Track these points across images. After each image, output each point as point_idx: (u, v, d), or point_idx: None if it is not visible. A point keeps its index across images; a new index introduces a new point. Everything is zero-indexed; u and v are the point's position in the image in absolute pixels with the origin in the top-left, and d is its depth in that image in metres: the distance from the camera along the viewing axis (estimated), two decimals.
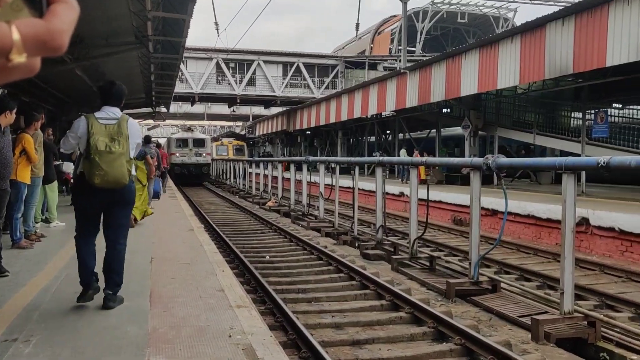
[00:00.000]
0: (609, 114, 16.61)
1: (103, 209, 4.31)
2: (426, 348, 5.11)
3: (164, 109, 30.89)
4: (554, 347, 5.29)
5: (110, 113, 4.32)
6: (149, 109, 28.65)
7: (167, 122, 53.46)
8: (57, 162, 9.87)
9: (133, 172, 4.35)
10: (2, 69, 0.51)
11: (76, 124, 4.31)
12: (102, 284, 4.39)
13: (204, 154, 32.81)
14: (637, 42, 10.59)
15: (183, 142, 32.48)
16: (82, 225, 4.36)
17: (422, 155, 20.33)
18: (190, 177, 31.65)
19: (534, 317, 5.65)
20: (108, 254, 4.35)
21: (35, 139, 7.12)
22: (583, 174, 14.18)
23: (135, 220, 9.21)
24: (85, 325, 3.83)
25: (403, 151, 23.94)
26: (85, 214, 4.34)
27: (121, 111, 4.38)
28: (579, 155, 14.40)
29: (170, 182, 23.81)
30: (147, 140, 13.05)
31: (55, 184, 9.05)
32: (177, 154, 31.88)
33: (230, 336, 3.69)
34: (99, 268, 4.38)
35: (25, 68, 0.52)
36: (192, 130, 34.56)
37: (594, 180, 17.87)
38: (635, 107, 19.09)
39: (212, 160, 36.02)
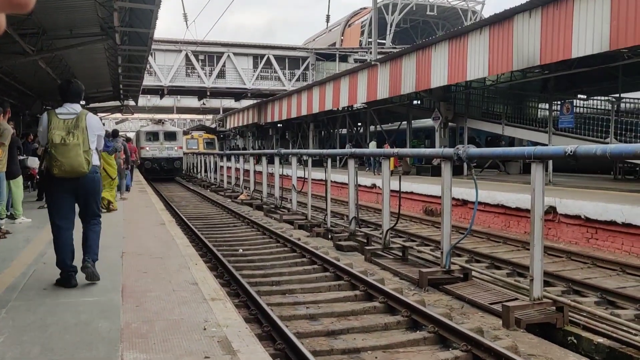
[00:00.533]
0: (574, 104, 17.02)
1: (73, 197, 4.71)
2: (400, 337, 5.17)
3: (132, 103, 30.29)
4: (525, 333, 5.41)
5: (70, 109, 4.68)
6: (117, 103, 28.06)
7: (136, 115, 52.44)
8: (22, 157, 9.59)
9: (95, 162, 4.69)
10: None
11: (40, 119, 4.74)
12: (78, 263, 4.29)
13: (176, 148, 31.35)
14: (602, 34, 10.86)
15: (153, 136, 30.99)
16: (55, 213, 4.71)
17: (392, 147, 20.55)
18: (162, 172, 30.33)
19: (505, 304, 5.77)
20: (85, 233, 4.84)
21: (1, 132, 6.90)
22: (550, 163, 14.51)
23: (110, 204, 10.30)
24: (55, 321, 3.73)
25: (373, 143, 24.10)
26: (56, 203, 4.71)
27: (87, 105, 4.70)
28: (546, 145, 14.74)
29: (140, 177, 23.33)
30: (114, 134, 12.79)
31: (20, 179, 8.79)
32: (148, 148, 30.42)
33: (205, 329, 3.66)
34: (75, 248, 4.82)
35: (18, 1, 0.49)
36: (163, 123, 33.11)
37: (560, 170, 18.32)
38: (599, 98, 19.60)
39: (184, 154, 34.74)
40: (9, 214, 8.69)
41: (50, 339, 3.39)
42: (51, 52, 12.09)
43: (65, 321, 3.75)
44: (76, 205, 4.80)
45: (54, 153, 4.47)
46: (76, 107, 4.71)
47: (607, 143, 14.17)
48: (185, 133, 42.59)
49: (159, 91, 37.62)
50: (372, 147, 22.15)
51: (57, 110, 4.68)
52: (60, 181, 4.57)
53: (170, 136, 31.32)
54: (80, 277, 4.68)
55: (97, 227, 4.92)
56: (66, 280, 4.65)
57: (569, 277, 7.67)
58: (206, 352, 3.24)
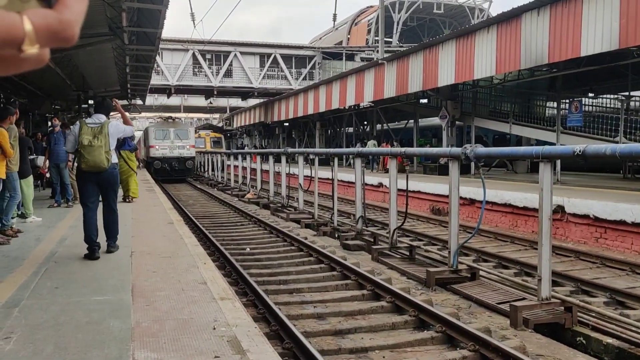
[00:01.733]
0: (583, 103, 16.92)
1: (97, 187, 6.07)
2: (408, 336, 5.18)
3: (139, 102, 30.40)
4: (532, 333, 5.41)
5: (96, 119, 6.12)
6: (125, 102, 28.19)
7: (143, 114, 52.71)
8: (32, 157, 9.68)
9: (114, 160, 6.05)
10: (13, 60, 0.50)
11: (73, 128, 6.23)
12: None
13: (188, 146, 29.15)
14: (611, 32, 10.80)
15: (163, 133, 28.75)
16: (84, 197, 6.15)
17: (392, 146, 20.63)
18: (173, 173, 28.21)
19: (513, 303, 5.77)
20: (105, 216, 6.17)
21: (10, 133, 6.96)
22: (558, 162, 14.45)
23: (130, 198, 12.18)
24: (68, 320, 3.78)
25: (372, 142, 24.17)
26: (85, 190, 6.11)
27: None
28: (554, 144, 14.67)
29: (147, 176, 23.34)
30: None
31: (30, 178, 8.88)
32: (157, 147, 28.30)
33: (214, 328, 3.69)
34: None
35: (36, 59, 0.52)
36: (174, 120, 31.00)
37: (568, 168, 18.23)
38: (608, 96, 19.48)
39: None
40: (19, 213, 8.78)
41: (63, 337, 3.44)
42: (60, 52, 12.15)
43: (77, 320, 3.79)
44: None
45: (83, 152, 5.86)
46: (102, 118, 6.12)
47: (617, 142, 14.09)
48: None
49: (166, 90, 37.75)
50: (372, 146, 22.15)
51: (87, 120, 6.17)
52: (87, 174, 5.98)
53: (182, 134, 29.32)
54: (87, 276, 4.72)
55: (114, 212, 6.23)
56: (91, 253, 5.90)
57: (577, 277, 7.64)
58: (216, 352, 3.27)
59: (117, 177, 6.32)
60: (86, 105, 21.03)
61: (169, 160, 28.32)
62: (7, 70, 0.52)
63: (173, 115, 36.85)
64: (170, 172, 28.13)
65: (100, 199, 6.22)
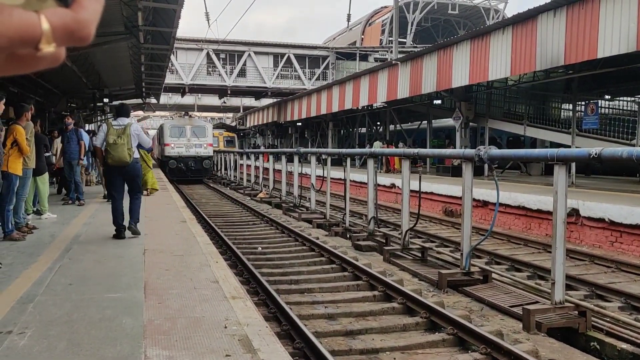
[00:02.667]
0: (599, 105, 16.73)
1: (122, 178, 7.19)
2: (419, 338, 5.16)
3: (154, 100, 30.62)
4: (545, 337, 5.35)
5: (120, 122, 7.20)
6: (139, 100, 28.45)
7: (157, 113, 53.10)
8: (47, 154, 9.79)
9: (135, 155, 7.13)
10: (30, 58, 0.51)
11: (102, 127, 7.39)
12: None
13: (205, 145, 27.08)
14: (628, 33, 10.66)
15: (179, 131, 26.79)
16: (112, 188, 7.38)
17: (395, 147, 20.60)
18: (189, 173, 26.33)
19: (525, 307, 5.72)
20: (130, 203, 7.25)
21: (26, 129, 7.05)
22: (573, 165, 14.30)
23: (149, 190, 13.04)
24: (81, 317, 3.82)
25: (377, 143, 24.21)
26: (111, 182, 7.34)
27: (110, 102, 6.88)
28: (569, 146, 14.51)
29: (161, 174, 23.33)
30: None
31: (46, 175, 8.99)
32: (172, 145, 26.43)
33: (226, 327, 3.70)
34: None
35: (52, 58, 0.52)
36: (190, 117, 28.76)
37: (583, 171, 18.04)
38: (625, 98, 19.24)
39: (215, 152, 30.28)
40: (35, 210, 8.89)
41: (76, 333, 3.47)
42: (77, 50, 12.29)
43: (90, 316, 3.83)
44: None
45: (109, 149, 6.96)
46: (124, 120, 7.21)
47: (633, 145, 13.90)
48: None
49: (180, 89, 38.00)
50: (377, 147, 22.11)
51: (113, 122, 7.21)
52: (113, 168, 7.10)
53: (199, 131, 27.26)
54: (100, 273, 4.76)
55: (138, 200, 7.34)
56: (119, 234, 7.09)
57: (591, 281, 7.55)
58: (227, 350, 3.28)
59: (139, 170, 7.52)
60: (101, 104, 21.24)
61: (184, 160, 26.39)
62: (24, 68, 0.52)
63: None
64: (185, 172, 26.31)
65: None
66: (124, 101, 27.11)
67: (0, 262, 5.39)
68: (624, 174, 18.85)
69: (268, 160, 23.86)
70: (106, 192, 9.68)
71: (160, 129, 29.08)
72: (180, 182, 24.67)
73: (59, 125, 15.81)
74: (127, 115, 7.44)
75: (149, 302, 4.23)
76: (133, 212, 7.24)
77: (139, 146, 7.36)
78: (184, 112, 29.84)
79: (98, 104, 20.93)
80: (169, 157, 26.32)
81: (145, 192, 12.82)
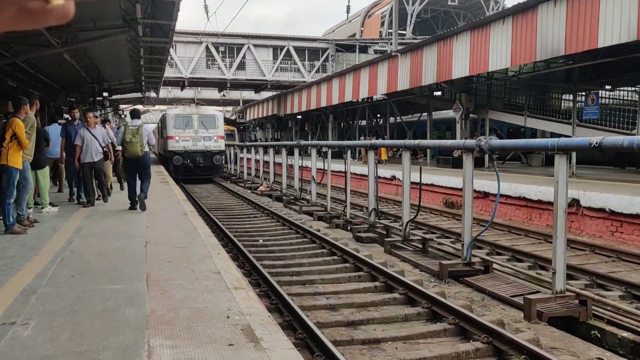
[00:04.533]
0: (599, 95, 16.69)
1: (135, 168, 9.32)
2: (420, 328, 5.18)
3: (153, 94, 30.50)
4: (546, 326, 5.37)
5: (134, 123, 9.46)
6: (138, 94, 28.35)
7: (157, 107, 52.96)
8: (48, 148, 9.78)
9: (145, 149, 9.29)
10: (40, 12, 0.51)
11: (121, 128, 9.81)
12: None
13: (216, 138, 23.38)
14: (629, 23, 10.62)
15: (185, 121, 23.05)
16: (128, 174, 9.74)
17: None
18: (197, 171, 22.70)
19: (526, 296, 5.73)
20: (141, 184, 9.24)
21: (27, 123, 7.04)
22: (574, 155, 14.29)
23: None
24: (84, 308, 3.83)
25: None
26: (128, 170, 9.61)
27: (110, 96, 8.85)
28: (569, 137, 14.49)
29: (162, 169, 22.44)
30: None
31: (46, 169, 8.99)
32: (177, 138, 22.66)
33: (228, 317, 3.72)
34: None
35: (61, 12, 0.52)
36: (198, 105, 24.81)
37: (583, 162, 18.02)
38: (625, 88, 19.19)
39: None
40: (35, 203, 8.89)
41: (79, 324, 3.49)
42: (75, 44, 12.25)
43: (93, 307, 3.85)
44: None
45: (126, 145, 9.09)
46: (137, 122, 9.51)
47: (634, 135, 13.89)
48: None
49: (179, 83, 37.90)
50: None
51: (129, 123, 9.51)
52: (129, 160, 9.32)
53: (208, 121, 23.46)
54: (102, 265, 4.76)
55: (147, 181, 9.32)
56: (132, 206, 9.25)
57: (592, 271, 7.57)
58: (230, 340, 3.29)
59: (148, 160, 9.60)
60: (101, 98, 21.18)
61: (192, 155, 22.53)
62: (34, 23, 0.52)
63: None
64: (193, 170, 22.54)
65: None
66: (123, 95, 27.11)
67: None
68: (625, 165, 18.83)
69: (264, 153, 23.87)
70: (88, 197, 9.79)
71: (163, 119, 25.29)
72: (186, 182, 21.56)
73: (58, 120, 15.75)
74: (139, 118, 9.86)
75: (151, 293, 4.25)
76: (144, 188, 9.21)
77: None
78: (190, 99, 25.89)
79: (97, 98, 20.86)
80: (173, 152, 22.49)
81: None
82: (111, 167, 12.25)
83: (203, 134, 23.05)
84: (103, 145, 9.91)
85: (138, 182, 9.30)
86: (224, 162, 24.62)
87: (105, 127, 10.96)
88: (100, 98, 21.25)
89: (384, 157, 22.56)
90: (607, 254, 8.82)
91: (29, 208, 8.04)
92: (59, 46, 11.55)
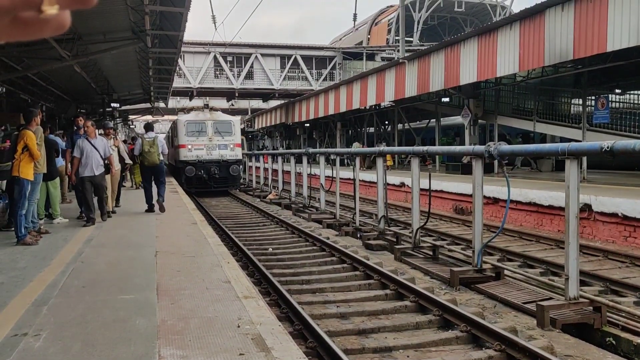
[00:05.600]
0: (609, 99, 16.56)
1: (151, 175, 10.59)
2: (432, 336, 5.14)
3: (162, 104, 30.71)
4: (560, 333, 5.31)
5: (150, 135, 10.79)
6: (147, 105, 28.57)
7: (166, 117, 53.32)
8: (57, 158, 9.85)
9: (161, 158, 10.62)
10: (34, 22, 0.50)
11: (138, 140, 11.26)
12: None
13: (232, 145, 21.18)
14: (638, 26, 10.55)
15: (198, 127, 21.02)
16: (145, 181, 10.86)
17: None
18: (211, 182, 20.65)
19: (539, 303, 5.67)
20: (158, 188, 10.42)
21: (36, 134, 7.11)
22: (584, 159, 14.17)
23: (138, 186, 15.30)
24: (95, 318, 3.84)
25: (356, 144, 24.73)
26: (146, 176, 10.78)
27: (119, 107, 11.14)
28: (579, 141, 14.38)
29: (172, 180, 21.00)
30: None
31: (57, 180, 9.06)
32: (190, 147, 20.60)
33: (239, 326, 3.71)
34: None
35: (56, 22, 0.51)
36: (212, 110, 22.57)
37: (595, 166, 17.88)
38: (635, 92, 19.04)
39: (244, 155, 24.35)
40: (47, 214, 8.96)
41: (90, 335, 3.49)
42: (86, 56, 12.39)
43: (104, 318, 3.85)
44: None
45: (145, 155, 10.44)
46: (152, 134, 10.83)
47: None
48: None
49: (188, 93, 38.14)
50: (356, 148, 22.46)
51: (145, 136, 10.85)
52: (147, 167, 10.64)
53: (224, 128, 21.31)
54: (113, 275, 4.77)
55: (163, 186, 10.51)
56: (150, 209, 10.36)
57: (606, 277, 7.48)
58: (241, 349, 3.28)
59: (164, 168, 11.00)
60: (110, 109, 21.35)
61: (206, 166, 20.48)
62: (28, 34, 0.51)
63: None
64: (207, 182, 20.52)
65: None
66: (133, 105, 27.31)
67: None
68: (636, 168, 18.65)
69: (272, 162, 23.84)
70: (88, 214, 8.70)
71: (174, 127, 23.24)
72: (200, 195, 19.93)
73: (69, 131, 15.91)
74: (153, 130, 11.19)
75: (161, 303, 4.25)
76: (161, 192, 10.40)
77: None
78: (203, 104, 23.59)
79: (107, 109, 21.05)
80: (186, 163, 20.40)
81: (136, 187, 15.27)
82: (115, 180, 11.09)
83: (218, 142, 20.98)
84: (104, 157, 9.08)
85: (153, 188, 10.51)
86: (241, 172, 22.20)
87: (113, 140, 10.84)
88: (110, 109, 21.43)
89: (389, 163, 22.55)
90: (621, 259, 8.72)
91: (40, 219, 8.09)
92: (70, 59, 11.69)
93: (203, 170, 20.37)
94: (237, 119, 23.13)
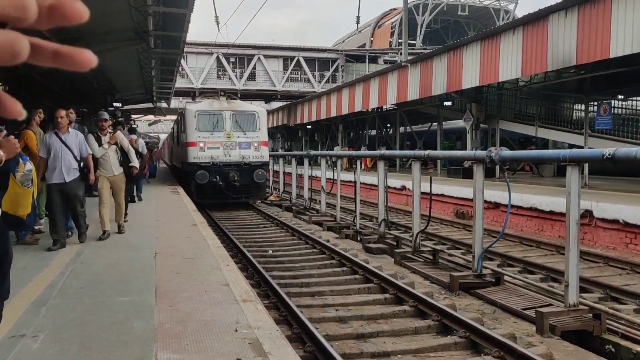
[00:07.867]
0: (612, 105, 16.53)
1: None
2: (431, 341, 5.12)
3: (164, 104, 30.74)
4: (559, 340, 5.29)
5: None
6: (149, 105, 28.59)
7: (168, 117, 53.38)
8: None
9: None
10: (55, 8, 0.49)
11: (140, 142, 12.34)
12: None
13: (257, 144, 16.25)
14: None
15: (213, 120, 16.09)
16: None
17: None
18: (230, 191, 15.68)
19: (539, 309, 5.65)
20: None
21: (36, 135, 7.11)
22: (586, 166, 14.14)
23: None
24: (93, 320, 3.83)
25: (338, 148, 25.23)
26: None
27: (122, 107, 8.17)
28: (581, 147, 14.35)
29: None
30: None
31: None
32: (202, 145, 15.69)
33: (236, 330, 3.70)
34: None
35: (88, 56, 0.51)
36: (229, 98, 17.22)
37: (596, 172, 17.85)
38: (638, 98, 19.01)
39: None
40: (47, 214, 8.94)
41: (88, 337, 3.48)
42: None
43: (102, 320, 3.84)
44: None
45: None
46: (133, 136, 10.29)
47: None
48: None
49: (190, 93, 38.20)
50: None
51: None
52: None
53: (246, 121, 16.39)
54: (111, 276, 4.76)
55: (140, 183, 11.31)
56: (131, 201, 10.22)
57: (606, 284, 7.45)
58: (238, 354, 3.27)
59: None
60: (112, 108, 21.39)
61: (223, 170, 15.66)
62: (67, 63, 0.52)
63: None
64: (224, 192, 15.66)
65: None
66: (135, 105, 27.33)
67: None
68: (638, 174, 18.60)
69: (274, 163, 23.96)
70: (54, 234, 6.72)
71: (181, 118, 18.30)
72: (214, 207, 15.63)
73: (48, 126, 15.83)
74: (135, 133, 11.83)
75: (160, 306, 4.24)
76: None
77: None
78: (220, 91, 18.34)
79: (109, 108, 21.07)
80: (196, 166, 15.59)
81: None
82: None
83: (239, 139, 16.05)
84: (79, 158, 6.88)
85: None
86: (265, 179, 16.85)
87: (109, 136, 7.82)
88: (112, 108, 21.47)
89: (369, 164, 22.95)
90: (622, 266, 8.69)
91: (41, 219, 8.09)
92: None
93: (219, 175, 15.55)
94: (262, 110, 17.64)
